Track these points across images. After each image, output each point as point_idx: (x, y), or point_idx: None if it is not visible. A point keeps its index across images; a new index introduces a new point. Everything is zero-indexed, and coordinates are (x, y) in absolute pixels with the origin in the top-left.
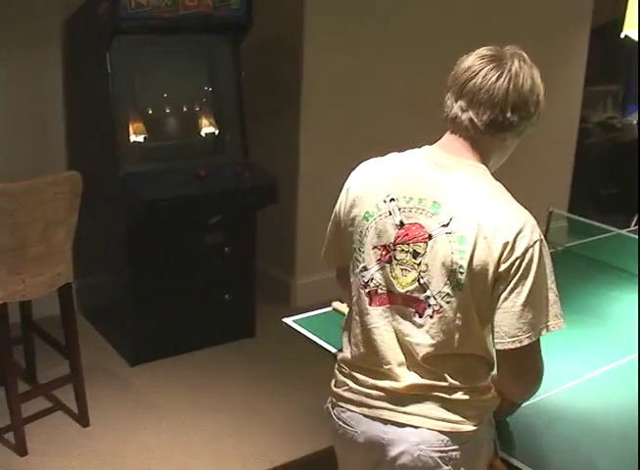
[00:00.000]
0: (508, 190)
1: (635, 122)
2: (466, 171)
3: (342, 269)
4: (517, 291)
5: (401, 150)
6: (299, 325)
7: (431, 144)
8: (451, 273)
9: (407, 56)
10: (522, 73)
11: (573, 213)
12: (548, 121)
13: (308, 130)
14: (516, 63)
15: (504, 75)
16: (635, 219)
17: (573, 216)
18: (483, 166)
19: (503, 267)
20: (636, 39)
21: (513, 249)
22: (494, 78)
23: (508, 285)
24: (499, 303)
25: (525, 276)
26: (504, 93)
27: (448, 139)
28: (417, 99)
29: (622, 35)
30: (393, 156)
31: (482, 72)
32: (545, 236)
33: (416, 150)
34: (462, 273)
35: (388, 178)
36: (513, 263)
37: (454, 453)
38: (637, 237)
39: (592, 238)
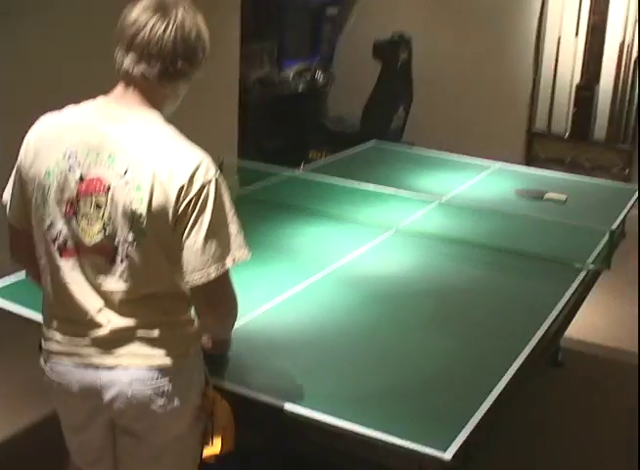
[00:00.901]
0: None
1: (291, 76)
2: (139, 121)
3: (22, 231)
4: (196, 228)
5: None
6: None
7: (105, 95)
8: (133, 221)
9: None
10: (187, 22)
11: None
12: (210, 81)
13: None
14: (180, 12)
15: (170, 26)
16: (302, 165)
17: (247, 163)
18: (157, 113)
19: (181, 208)
20: None
21: (189, 189)
22: (162, 30)
23: (187, 223)
24: (182, 242)
25: (202, 213)
26: (172, 44)
27: (121, 91)
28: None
29: None
30: (70, 109)
31: (149, 25)
32: None
33: (91, 102)
34: (143, 220)
35: (66, 133)
36: (189, 202)
37: (166, 386)
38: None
39: (264, 183)
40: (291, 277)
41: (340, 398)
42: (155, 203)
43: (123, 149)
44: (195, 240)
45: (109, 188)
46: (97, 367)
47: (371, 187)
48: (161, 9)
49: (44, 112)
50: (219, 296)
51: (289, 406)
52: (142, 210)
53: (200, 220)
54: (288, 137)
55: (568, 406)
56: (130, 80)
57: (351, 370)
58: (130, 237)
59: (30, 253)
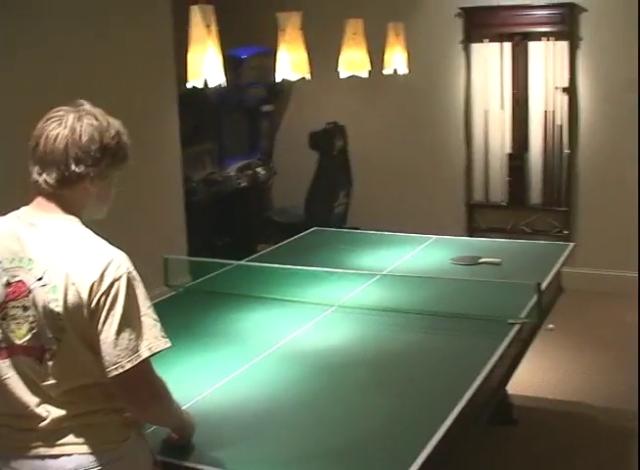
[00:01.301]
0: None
1: (233, 174)
2: (55, 225)
3: None
4: (109, 322)
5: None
6: None
7: (27, 204)
8: (53, 321)
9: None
10: (78, 126)
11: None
12: (155, 186)
13: None
14: (72, 117)
15: (61, 133)
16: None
17: (192, 258)
18: (72, 217)
19: (93, 304)
20: (200, 87)
21: (100, 285)
22: (53, 138)
23: (100, 318)
24: (98, 336)
25: (113, 307)
26: (63, 150)
27: (38, 199)
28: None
29: (189, 85)
30: None
31: (44, 136)
32: (166, 282)
33: (15, 212)
34: (61, 319)
35: None
36: (100, 299)
37: None
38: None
39: (211, 275)
40: (237, 359)
41: (280, 462)
42: (69, 302)
43: (41, 253)
44: (108, 334)
45: (30, 291)
46: (43, 458)
47: (313, 269)
48: (57, 119)
49: None
50: (137, 386)
51: None
52: (59, 309)
53: (112, 314)
54: (236, 233)
55: (520, 461)
56: (41, 190)
57: (289, 437)
58: (53, 336)
59: None
